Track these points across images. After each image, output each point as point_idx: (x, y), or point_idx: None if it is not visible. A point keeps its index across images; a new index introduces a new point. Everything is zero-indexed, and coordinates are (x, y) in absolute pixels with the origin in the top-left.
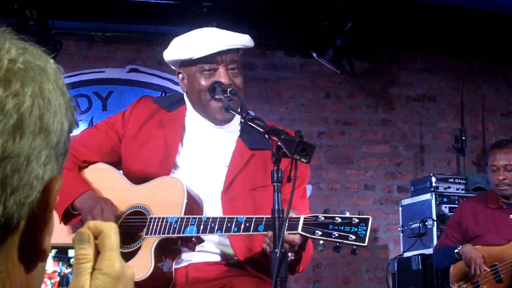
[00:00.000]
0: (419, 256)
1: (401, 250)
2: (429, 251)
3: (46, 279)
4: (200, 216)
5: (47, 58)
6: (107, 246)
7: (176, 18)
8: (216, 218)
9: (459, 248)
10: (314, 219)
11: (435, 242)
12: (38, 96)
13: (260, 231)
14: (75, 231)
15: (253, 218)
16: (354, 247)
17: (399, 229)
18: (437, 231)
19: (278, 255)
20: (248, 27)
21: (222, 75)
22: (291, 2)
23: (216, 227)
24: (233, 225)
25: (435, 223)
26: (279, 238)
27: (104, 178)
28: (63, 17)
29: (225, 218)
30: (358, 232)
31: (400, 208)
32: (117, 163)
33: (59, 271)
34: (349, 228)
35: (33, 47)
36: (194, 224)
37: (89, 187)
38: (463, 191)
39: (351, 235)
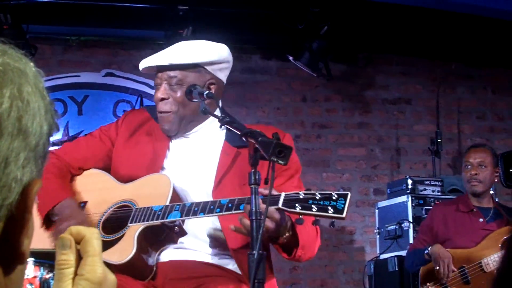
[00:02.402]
0: (396, 258)
1: (378, 252)
2: (406, 252)
3: (27, 285)
4: (184, 202)
5: (27, 61)
6: (89, 252)
7: (151, 22)
8: (200, 202)
9: (428, 249)
10: (294, 195)
11: (408, 248)
12: (17, 98)
13: (242, 210)
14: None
15: (235, 199)
16: (333, 220)
17: (375, 231)
18: (413, 233)
19: (255, 256)
20: (224, 31)
21: (160, 90)
22: (268, 6)
23: (199, 210)
24: (216, 206)
25: (411, 225)
26: (256, 240)
27: (93, 181)
28: (38, 22)
29: (208, 201)
30: (337, 205)
31: (377, 211)
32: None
33: (40, 276)
34: (328, 202)
35: (12, 49)
36: (178, 210)
37: (70, 194)
38: (439, 193)
39: (330, 208)
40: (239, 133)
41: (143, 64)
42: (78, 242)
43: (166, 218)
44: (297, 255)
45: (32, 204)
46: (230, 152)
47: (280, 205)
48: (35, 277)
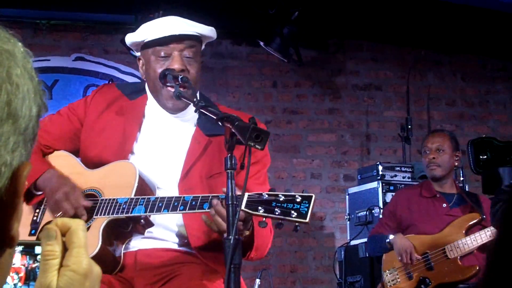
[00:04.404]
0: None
1: (348, 238)
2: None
3: (13, 274)
4: (149, 196)
5: (16, 41)
6: (75, 243)
7: (122, 6)
8: (164, 197)
9: (390, 238)
10: (257, 197)
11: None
12: (6, 81)
13: (205, 209)
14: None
15: (199, 197)
16: (296, 224)
17: (346, 217)
18: None
19: (231, 241)
20: (194, 15)
21: (175, 60)
22: None
23: (163, 206)
24: (180, 204)
25: (381, 211)
26: (233, 225)
27: (61, 165)
28: (8, 5)
29: (172, 197)
30: (301, 209)
31: (347, 197)
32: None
33: (26, 265)
34: (292, 205)
35: (0, 30)
36: (142, 204)
37: (50, 166)
38: (410, 180)
39: (293, 212)
40: (214, 117)
41: (162, 32)
42: (63, 233)
43: (131, 213)
44: (250, 257)
45: (22, 188)
46: (201, 140)
47: (243, 207)
48: (21, 266)
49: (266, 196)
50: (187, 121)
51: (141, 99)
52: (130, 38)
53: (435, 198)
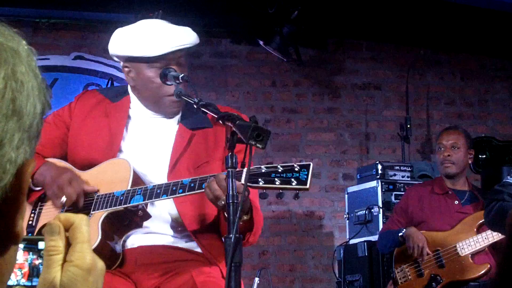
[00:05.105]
0: (365, 243)
1: (347, 237)
2: (375, 238)
3: (16, 270)
4: (146, 185)
5: (20, 39)
6: (78, 239)
7: (121, 5)
8: (162, 184)
9: (403, 231)
10: (257, 170)
11: (381, 229)
12: (11, 79)
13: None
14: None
15: (197, 178)
16: (297, 191)
17: (345, 216)
18: (383, 218)
19: (232, 240)
20: (194, 14)
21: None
22: None
23: (162, 192)
24: (179, 187)
25: (381, 210)
26: (233, 224)
27: None
28: (7, 3)
29: (170, 182)
30: (300, 176)
31: (346, 196)
32: None
33: (29, 261)
34: (291, 174)
35: (5, 28)
36: (140, 193)
37: (44, 161)
38: (409, 179)
39: (293, 180)
40: (216, 116)
41: (169, 46)
42: (66, 228)
43: (129, 203)
44: (249, 241)
45: (27, 185)
46: (185, 135)
47: (243, 180)
48: (24, 261)
49: (265, 168)
50: (172, 119)
51: (125, 101)
52: (121, 51)
53: (447, 195)
